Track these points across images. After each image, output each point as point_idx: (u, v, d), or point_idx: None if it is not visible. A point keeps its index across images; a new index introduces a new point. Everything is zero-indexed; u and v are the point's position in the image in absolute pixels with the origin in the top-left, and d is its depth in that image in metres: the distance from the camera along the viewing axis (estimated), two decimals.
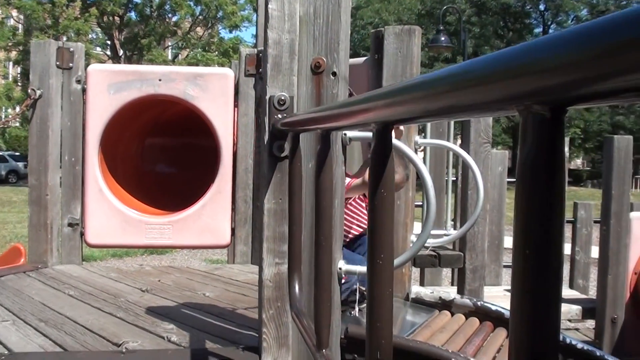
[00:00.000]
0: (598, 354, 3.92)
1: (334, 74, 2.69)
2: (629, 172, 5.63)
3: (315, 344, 1.93)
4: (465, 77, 0.78)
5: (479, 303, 4.06)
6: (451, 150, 5.06)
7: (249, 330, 3.31)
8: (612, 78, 0.55)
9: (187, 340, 3.19)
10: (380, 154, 1.20)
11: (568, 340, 3.96)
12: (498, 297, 5.89)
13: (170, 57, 35.74)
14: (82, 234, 4.78)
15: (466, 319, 3.98)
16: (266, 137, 2.64)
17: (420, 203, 5.35)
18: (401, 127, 4.14)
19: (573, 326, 7.34)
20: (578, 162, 47.68)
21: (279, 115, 2.56)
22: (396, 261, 3.12)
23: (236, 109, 4.84)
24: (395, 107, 1.06)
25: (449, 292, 4.41)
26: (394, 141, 3.29)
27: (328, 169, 1.95)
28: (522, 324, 0.70)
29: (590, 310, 5.81)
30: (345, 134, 2.79)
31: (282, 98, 2.57)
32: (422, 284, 6.36)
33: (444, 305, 4.06)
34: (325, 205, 1.99)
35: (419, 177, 3.09)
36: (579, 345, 3.93)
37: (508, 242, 6.53)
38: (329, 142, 1.88)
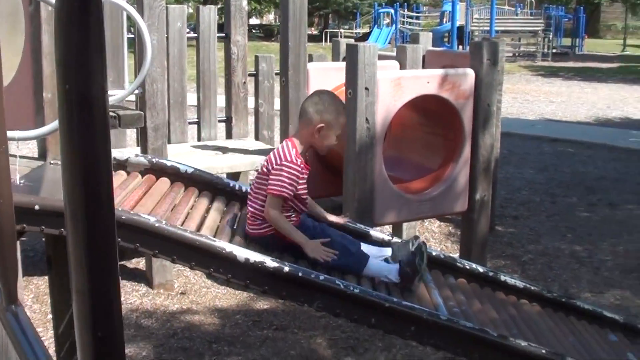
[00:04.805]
0: None
1: None
2: (304, 23, 5.74)
3: None
4: None
5: (154, 160, 4.00)
6: (116, 6, 4.79)
7: None
8: None
9: None
10: None
11: (244, 189, 4.05)
12: (184, 153, 5.88)
13: None
14: None
15: (142, 176, 3.91)
16: None
17: None
18: None
19: None
20: (270, 17, 48.60)
21: None
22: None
23: None
24: None
25: (123, 151, 4.30)
26: None
27: None
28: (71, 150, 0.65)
29: None
30: None
31: None
32: None
33: (119, 165, 3.94)
34: None
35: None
36: None
37: (192, 99, 6.50)
38: None
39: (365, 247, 3.75)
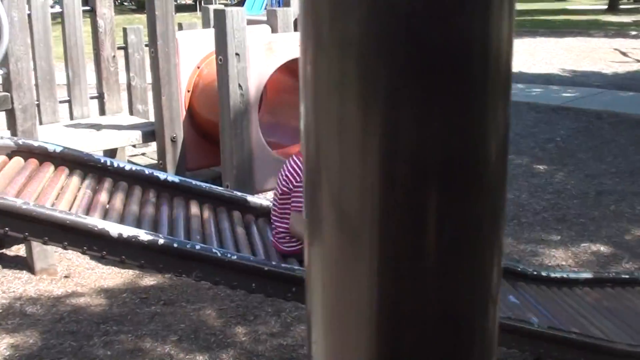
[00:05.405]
0: (147, 172, 4.01)
1: None
2: None
3: None
4: None
5: (20, 141, 3.87)
6: None
7: None
8: None
9: None
10: None
11: (116, 164, 3.98)
12: (57, 133, 5.71)
13: None
14: None
15: (9, 159, 3.78)
16: None
17: None
18: None
19: (140, 152, 7.48)
20: None
21: None
22: None
23: None
24: None
25: None
26: None
27: None
28: None
29: (150, 133, 5.89)
30: None
31: None
32: None
33: None
34: None
35: None
36: (127, 167, 3.97)
37: (61, 77, 6.31)
38: None
39: None
